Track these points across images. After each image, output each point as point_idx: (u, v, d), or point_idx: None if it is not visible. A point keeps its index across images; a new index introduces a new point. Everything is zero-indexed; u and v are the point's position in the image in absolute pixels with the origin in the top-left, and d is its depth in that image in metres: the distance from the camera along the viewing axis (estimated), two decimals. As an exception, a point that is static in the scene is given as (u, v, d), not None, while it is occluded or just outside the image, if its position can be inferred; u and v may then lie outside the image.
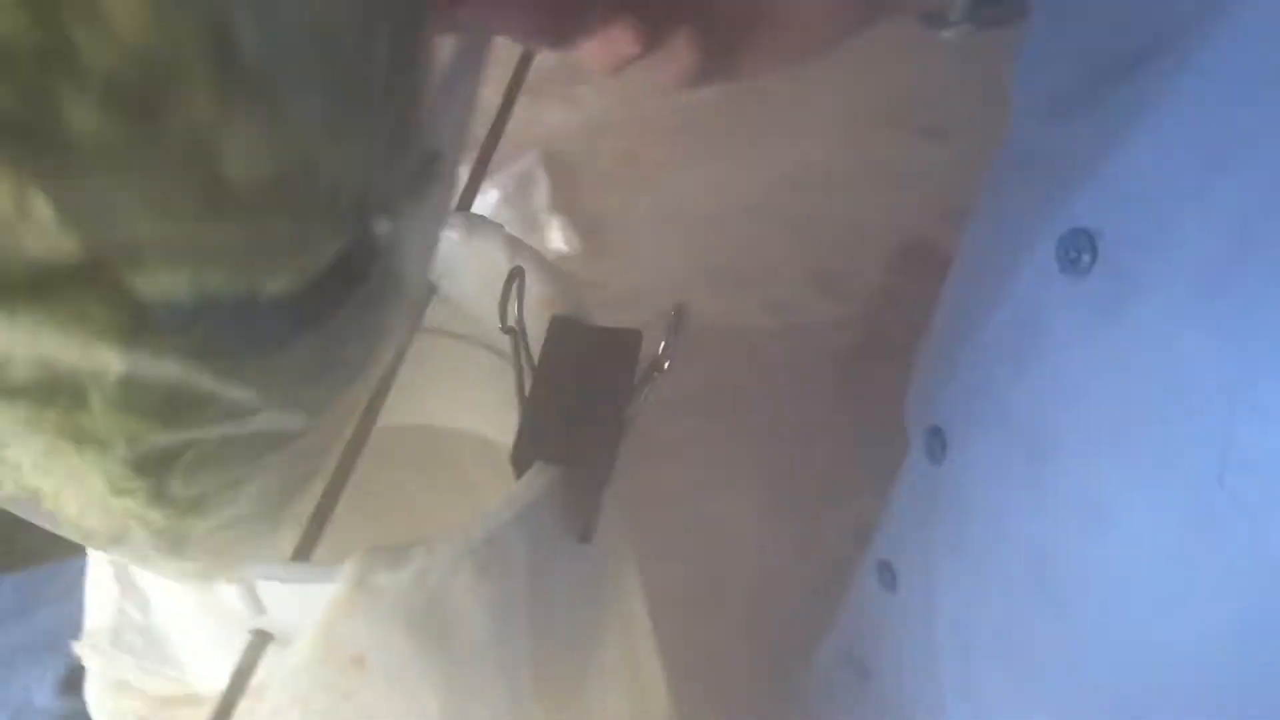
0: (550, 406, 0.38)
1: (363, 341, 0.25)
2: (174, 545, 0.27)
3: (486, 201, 1.32)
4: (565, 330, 0.39)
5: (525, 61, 0.51)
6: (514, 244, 0.42)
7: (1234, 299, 0.31)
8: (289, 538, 0.37)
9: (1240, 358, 0.31)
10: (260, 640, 0.35)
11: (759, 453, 1.21)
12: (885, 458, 0.57)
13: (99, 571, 0.37)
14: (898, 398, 0.54)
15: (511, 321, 0.38)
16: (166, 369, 0.21)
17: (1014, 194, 0.45)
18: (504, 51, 0.46)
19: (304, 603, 0.34)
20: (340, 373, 0.26)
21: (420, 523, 0.37)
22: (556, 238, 1.32)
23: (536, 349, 0.40)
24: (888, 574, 0.53)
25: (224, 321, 0.20)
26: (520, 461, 0.37)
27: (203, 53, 0.17)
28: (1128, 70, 0.37)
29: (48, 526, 0.26)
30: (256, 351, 0.22)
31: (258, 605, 0.34)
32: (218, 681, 0.35)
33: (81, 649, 0.36)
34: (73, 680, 0.62)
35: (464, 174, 0.52)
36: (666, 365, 0.37)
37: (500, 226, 0.42)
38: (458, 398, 0.47)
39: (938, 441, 0.46)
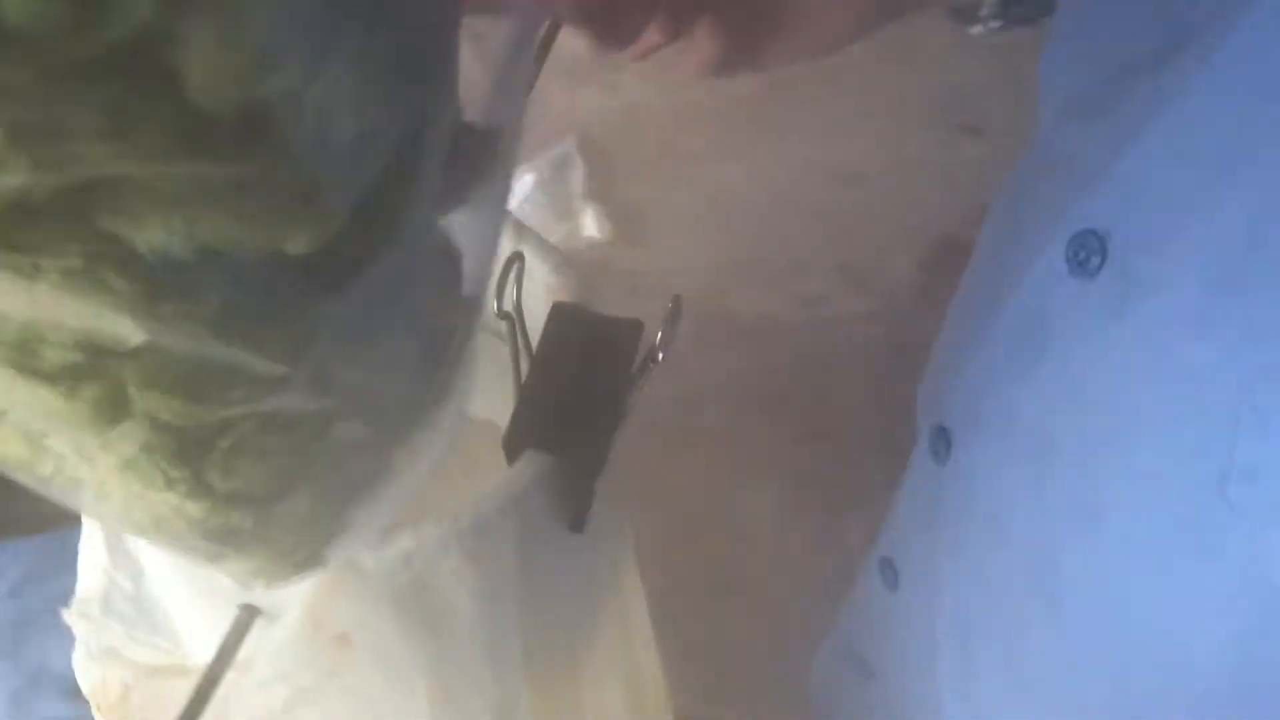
0: (546, 394, 0.38)
1: (399, 321, 0.24)
2: (220, 540, 0.26)
3: (521, 185, 1.32)
4: (566, 317, 0.39)
5: (549, 39, 0.51)
6: (519, 229, 0.42)
7: (1241, 304, 0.31)
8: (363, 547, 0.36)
9: (1245, 364, 0.31)
10: (248, 615, 0.36)
11: (784, 447, 1.20)
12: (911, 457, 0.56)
13: (92, 540, 0.37)
14: (924, 396, 0.53)
15: (508, 306, 0.37)
16: (185, 337, 0.20)
17: (1029, 193, 0.45)
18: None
19: (288, 586, 0.34)
20: (379, 356, 0.25)
21: (425, 506, 0.37)
22: (590, 224, 1.32)
23: (540, 336, 0.40)
24: (890, 572, 0.52)
25: (238, 284, 0.19)
26: (513, 448, 0.37)
27: None
28: (1145, 70, 0.36)
29: (95, 518, 0.25)
30: (274, 318, 0.20)
31: (246, 586, 0.35)
32: (207, 653, 0.35)
33: (70, 616, 0.36)
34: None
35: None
36: (661, 356, 0.36)
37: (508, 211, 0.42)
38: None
39: (942, 440, 0.46)
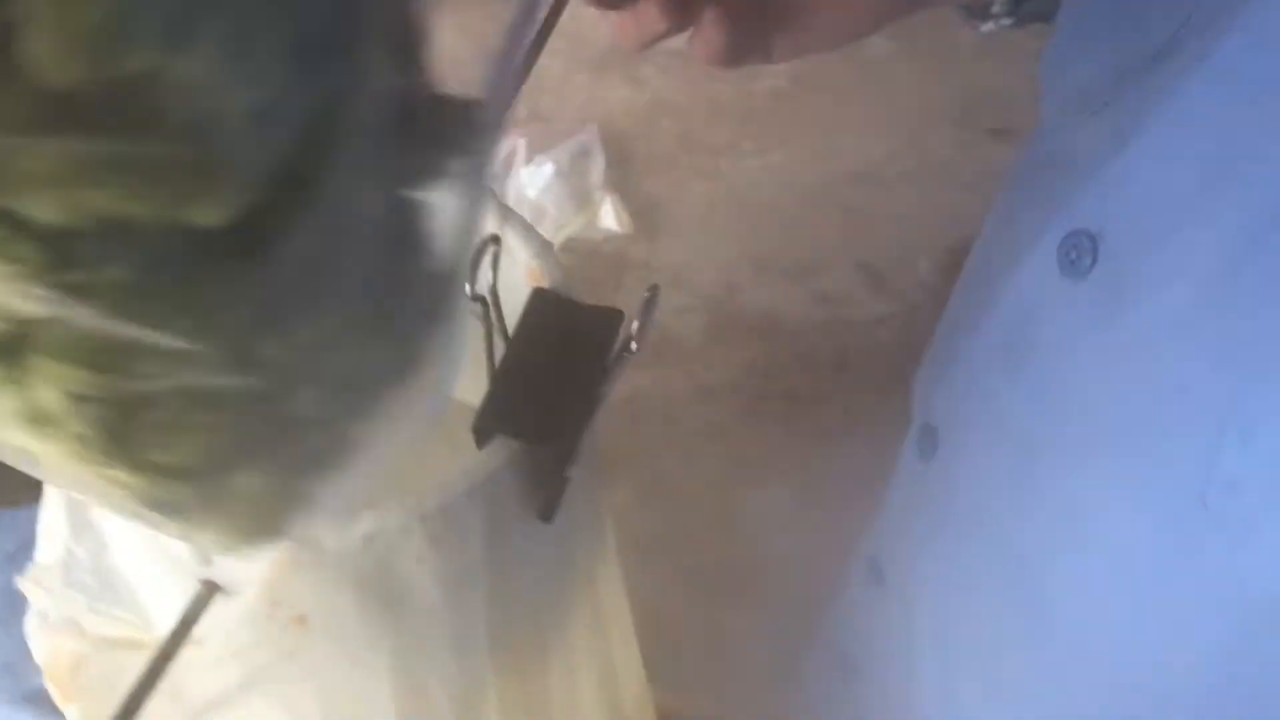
0: (520, 380, 0.37)
1: (339, 296, 0.23)
2: (168, 511, 0.26)
3: (541, 174, 1.31)
4: (545, 304, 0.39)
5: (553, 18, 0.50)
6: (504, 212, 0.41)
7: (1230, 311, 0.31)
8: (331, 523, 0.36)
9: (1232, 373, 0.31)
10: (208, 591, 0.35)
11: (795, 445, 1.20)
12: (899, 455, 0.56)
13: (52, 509, 0.37)
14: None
15: (483, 289, 0.37)
16: (87, 310, 0.19)
17: (1026, 191, 0.44)
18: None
19: (252, 557, 0.34)
20: (317, 332, 0.25)
21: (408, 489, 0.36)
22: (608, 216, 1.31)
23: (517, 321, 0.39)
24: (875, 571, 0.52)
25: (146, 257, 0.19)
26: (482, 433, 0.36)
27: None
28: (1146, 69, 0.36)
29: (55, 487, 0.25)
30: (182, 292, 0.20)
31: (205, 555, 0.34)
32: (168, 628, 0.35)
33: (25, 584, 0.36)
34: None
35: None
36: (634, 346, 0.36)
37: (493, 193, 0.41)
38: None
39: (929, 439, 0.45)
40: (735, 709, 0.97)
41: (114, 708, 0.32)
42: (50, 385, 0.21)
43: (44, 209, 0.18)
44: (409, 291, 0.27)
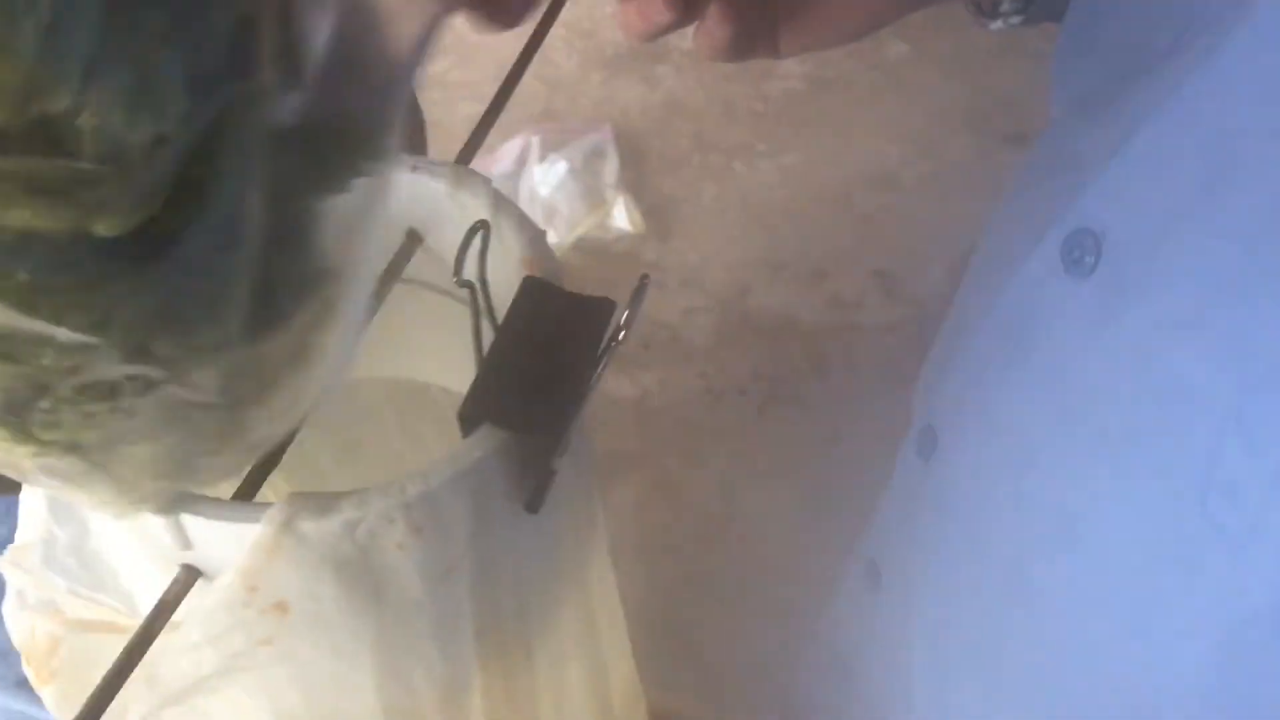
0: (508, 368, 0.37)
1: (219, 294, 0.24)
2: (57, 477, 0.27)
3: (554, 172, 1.31)
4: (536, 293, 0.38)
5: (552, 14, 0.50)
6: (499, 200, 0.41)
7: (1233, 312, 0.30)
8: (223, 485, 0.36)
9: (1234, 376, 0.30)
10: (188, 576, 0.35)
11: (804, 449, 1.19)
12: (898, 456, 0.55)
13: (33, 492, 0.37)
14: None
15: (470, 275, 0.36)
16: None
17: (1030, 192, 0.44)
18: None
19: (231, 542, 0.34)
20: (208, 328, 0.25)
21: (393, 475, 0.36)
22: (620, 216, 1.31)
23: (508, 309, 0.39)
24: (873, 572, 0.51)
25: (47, 260, 0.21)
26: (468, 421, 0.36)
27: None
28: (1150, 70, 0.35)
29: None
30: (82, 292, 0.22)
31: (184, 540, 0.34)
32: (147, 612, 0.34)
33: (3, 564, 0.36)
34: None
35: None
36: (623, 335, 0.35)
37: (487, 181, 0.41)
38: (445, 353, 0.46)
39: (929, 439, 0.45)
40: (734, 710, 0.96)
41: (90, 690, 0.32)
42: None
43: None
44: (299, 290, 0.28)
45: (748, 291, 1.28)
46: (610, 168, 1.33)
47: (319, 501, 0.33)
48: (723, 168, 1.38)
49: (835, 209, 1.34)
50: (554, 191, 1.30)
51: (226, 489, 0.36)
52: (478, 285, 0.37)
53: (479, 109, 0.45)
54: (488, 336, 0.38)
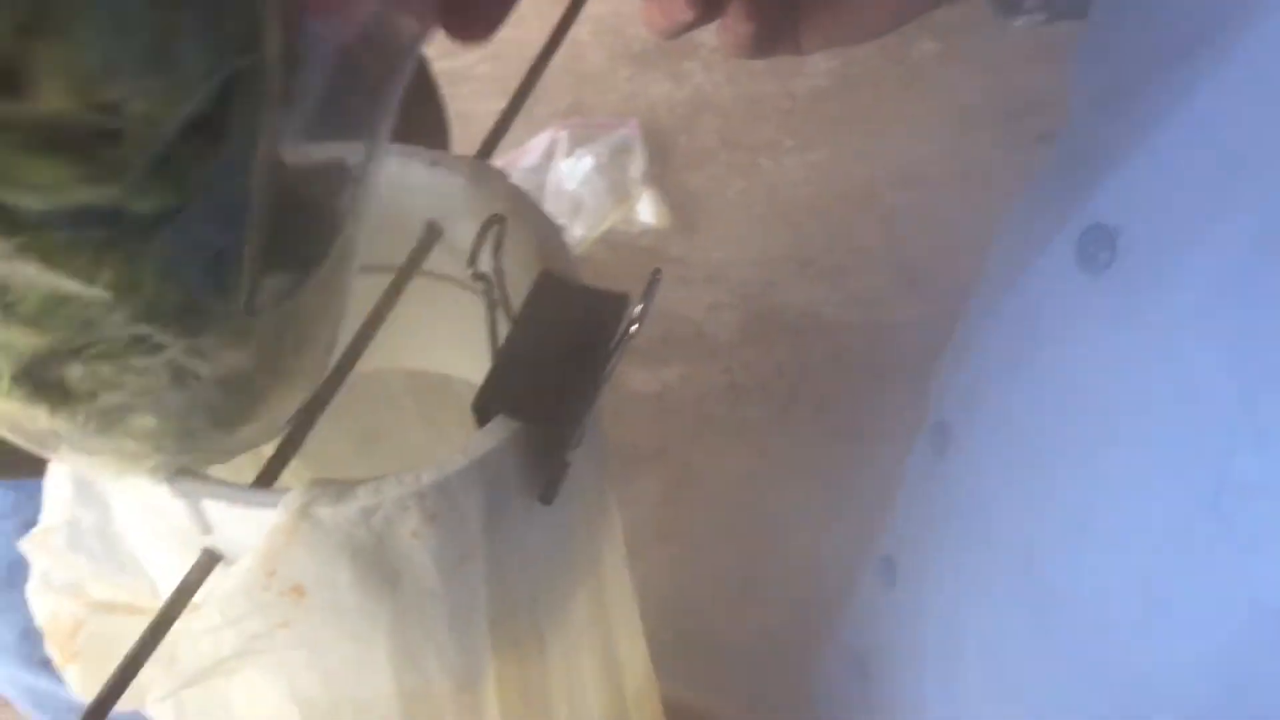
0: (523, 360, 0.37)
1: (224, 259, 0.25)
2: (75, 448, 0.28)
3: (581, 167, 1.32)
4: (551, 286, 0.39)
5: (576, 6, 0.50)
6: (517, 195, 0.41)
7: (1247, 310, 0.30)
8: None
9: (1247, 373, 0.30)
10: (209, 559, 0.35)
11: (825, 446, 1.19)
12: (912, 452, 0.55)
13: (57, 474, 0.38)
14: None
15: (483, 267, 0.37)
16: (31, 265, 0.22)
17: (1047, 188, 0.44)
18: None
19: (250, 527, 0.34)
20: (212, 295, 0.26)
21: (409, 464, 0.37)
22: (645, 210, 1.31)
23: (523, 302, 0.39)
24: (889, 570, 0.52)
25: (77, 222, 0.22)
26: (483, 411, 0.36)
27: None
28: (1168, 66, 0.35)
29: None
30: (104, 249, 0.23)
31: (204, 524, 0.35)
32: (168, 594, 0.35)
33: (28, 546, 0.37)
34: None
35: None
36: (635, 328, 0.36)
37: (505, 175, 0.41)
38: (466, 346, 0.46)
39: (942, 435, 0.45)
40: (748, 704, 0.97)
41: (112, 670, 0.33)
42: None
43: (29, 201, 0.21)
44: (303, 254, 0.29)
45: (772, 287, 1.28)
46: (636, 163, 1.34)
47: (336, 488, 0.34)
48: (749, 164, 1.39)
49: (861, 206, 1.34)
50: (580, 186, 1.31)
51: (248, 475, 0.37)
52: (493, 278, 0.37)
53: (506, 103, 0.46)
54: (504, 330, 0.39)
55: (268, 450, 0.38)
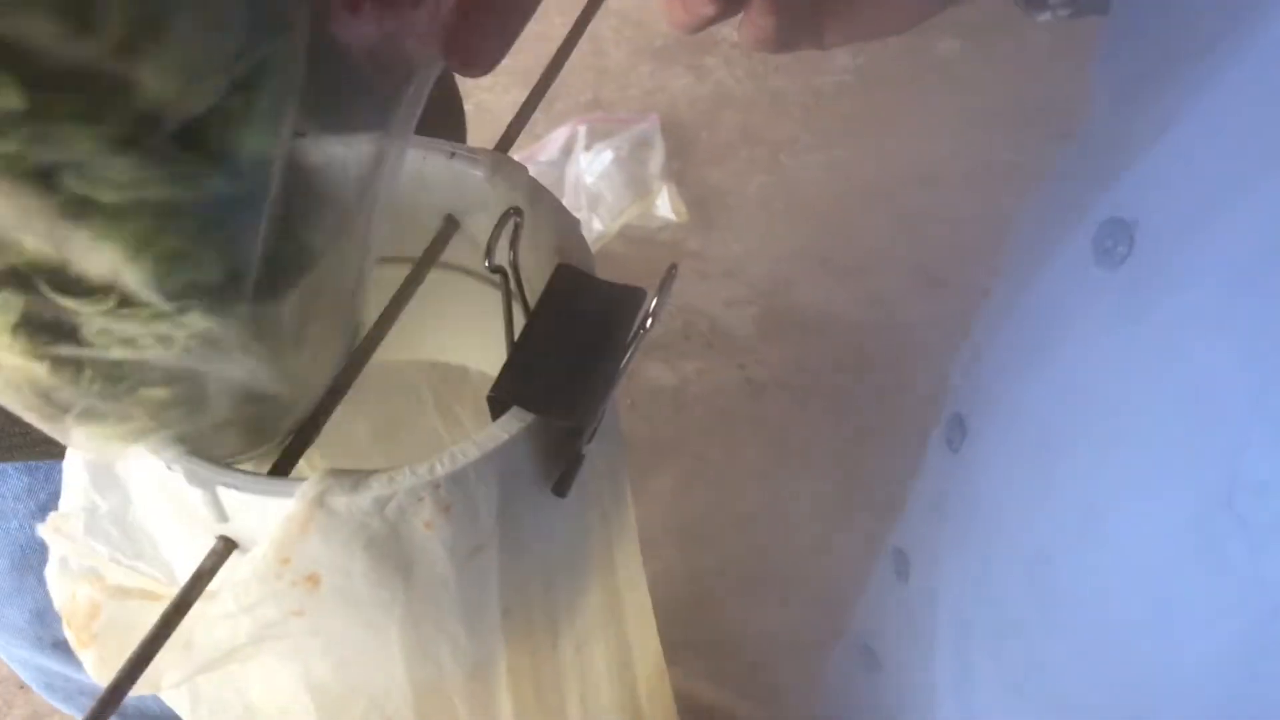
0: (538, 353, 0.37)
1: (238, 235, 0.26)
2: (68, 409, 0.29)
3: (600, 161, 1.32)
4: (568, 280, 0.39)
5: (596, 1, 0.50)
6: (535, 188, 0.41)
7: (1262, 306, 0.30)
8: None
9: (1261, 370, 0.30)
10: (225, 547, 0.36)
11: (839, 443, 1.19)
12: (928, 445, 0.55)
13: (74, 460, 0.38)
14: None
15: (501, 260, 0.37)
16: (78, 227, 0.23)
17: (1066, 181, 0.44)
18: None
19: (266, 515, 0.34)
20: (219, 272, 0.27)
21: (424, 456, 0.37)
22: (664, 205, 1.31)
23: (540, 295, 0.39)
24: (902, 563, 0.52)
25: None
26: (498, 403, 0.36)
27: None
28: (1189, 62, 0.35)
29: None
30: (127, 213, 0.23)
31: (221, 512, 0.35)
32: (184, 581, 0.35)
33: (46, 531, 0.37)
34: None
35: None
36: (650, 323, 0.36)
37: (524, 169, 0.41)
38: (484, 338, 0.47)
39: (957, 429, 0.45)
40: (761, 697, 0.97)
41: (128, 654, 0.33)
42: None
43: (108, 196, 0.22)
44: (313, 233, 0.30)
45: (790, 284, 1.28)
46: (656, 157, 1.34)
47: (351, 478, 0.34)
48: (769, 160, 1.38)
49: (880, 204, 1.33)
50: (599, 180, 1.31)
51: (265, 463, 0.37)
52: (510, 270, 0.38)
53: (525, 96, 0.46)
54: (521, 322, 0.39)
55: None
